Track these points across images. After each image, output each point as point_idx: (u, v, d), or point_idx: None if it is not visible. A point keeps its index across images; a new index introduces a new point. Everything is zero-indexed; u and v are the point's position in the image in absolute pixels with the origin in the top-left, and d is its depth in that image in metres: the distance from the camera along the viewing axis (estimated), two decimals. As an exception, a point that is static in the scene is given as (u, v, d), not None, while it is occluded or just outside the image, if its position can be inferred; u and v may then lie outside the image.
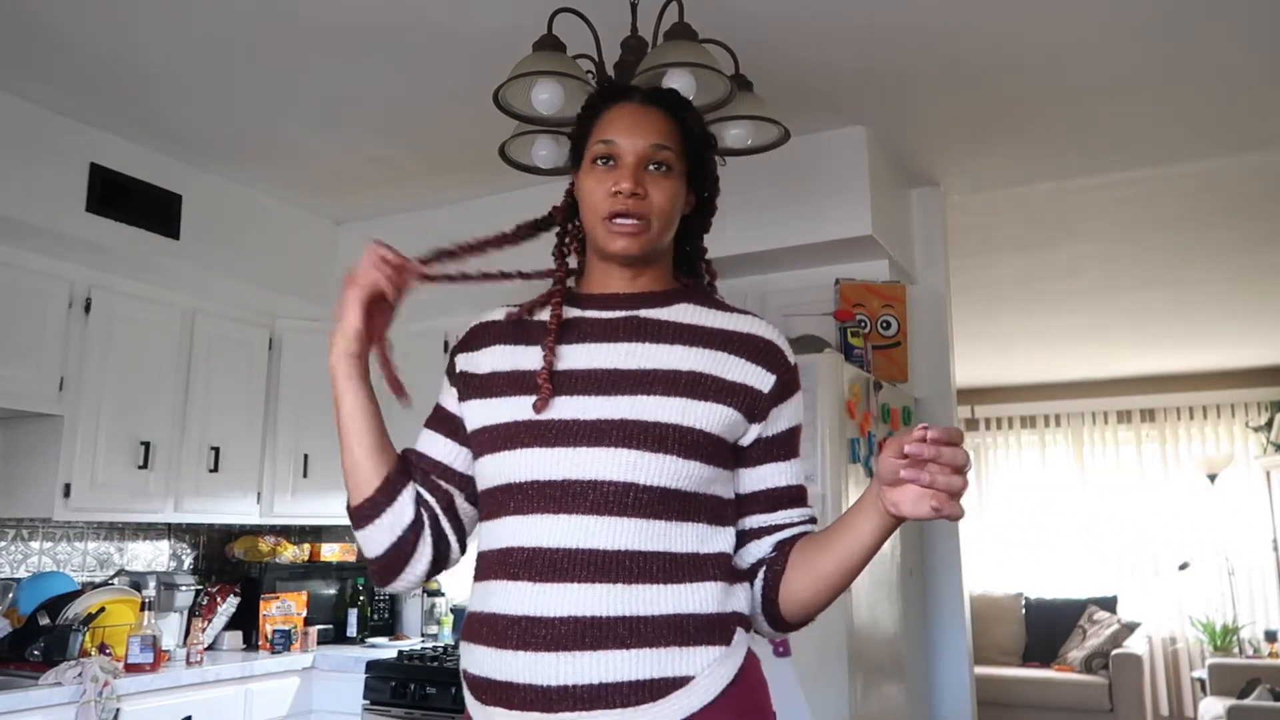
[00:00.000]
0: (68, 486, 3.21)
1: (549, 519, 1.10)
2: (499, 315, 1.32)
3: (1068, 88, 2.88)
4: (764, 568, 1.19)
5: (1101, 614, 6.52)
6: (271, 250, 3.79)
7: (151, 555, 3.81)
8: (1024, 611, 6.79)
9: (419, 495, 1.24)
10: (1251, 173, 3.55)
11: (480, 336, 1.31)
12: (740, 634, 1.14)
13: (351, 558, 4.14)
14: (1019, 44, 2.64)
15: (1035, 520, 7.63)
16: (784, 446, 1.22)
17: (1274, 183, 3.65)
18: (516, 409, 1.18)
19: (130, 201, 3.26)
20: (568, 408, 1.15)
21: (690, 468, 1.12)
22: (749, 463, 1.21)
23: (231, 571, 3.93)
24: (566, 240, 1.34)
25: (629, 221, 1.19)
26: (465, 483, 1.27)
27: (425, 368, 4.04)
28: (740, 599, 1.16)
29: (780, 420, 1.21)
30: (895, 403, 3.20)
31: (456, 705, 3.11)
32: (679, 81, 1.97)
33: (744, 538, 1.20)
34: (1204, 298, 5.18)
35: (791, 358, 1.24)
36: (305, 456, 3.96)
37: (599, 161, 1.22)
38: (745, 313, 1.26)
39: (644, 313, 1.23)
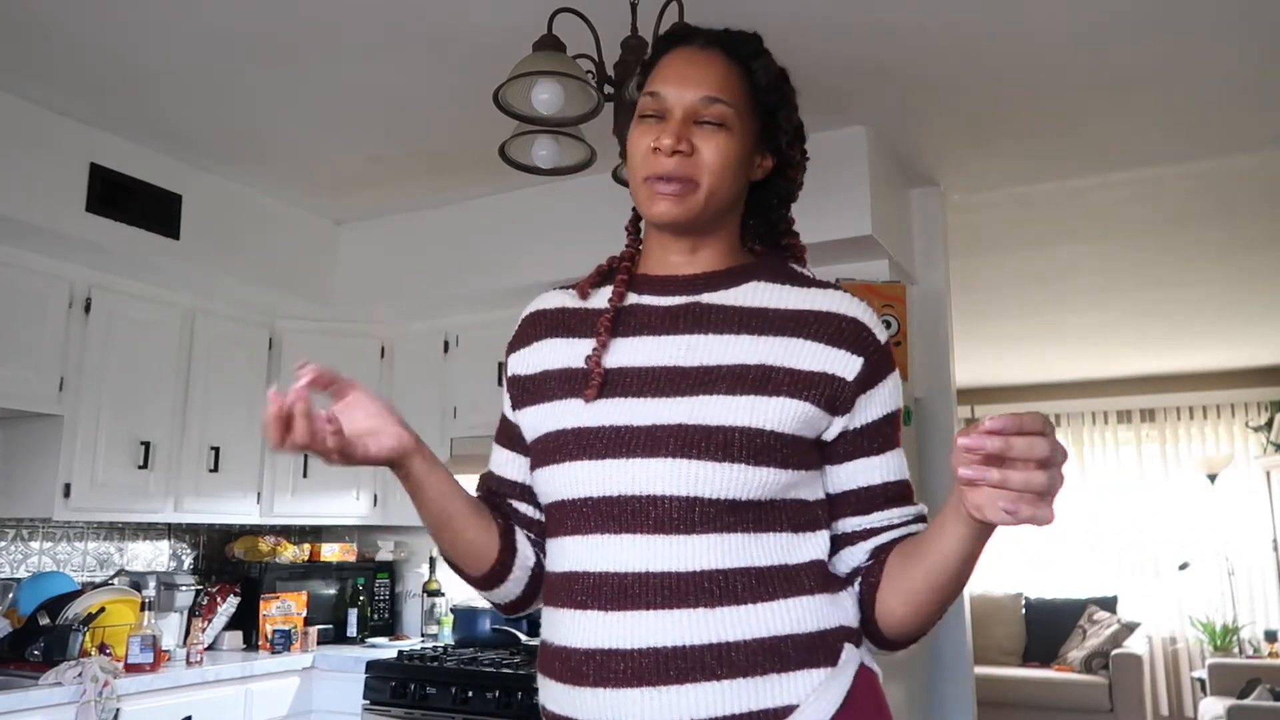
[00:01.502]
0: (68, 486, 3.21)
1: (611, 540, 0.99)
2: (552, 301, 1.18)
3: (1068, 88, 2.88)
4: (860, 579, 1.05)
5: (1101, 614, 6.52)
6: (271, 250, 3.79)
7: (151, 555, 3.81)
8: (1024, 611, 6.79)
9: (521, 529, 1.16)
10: (1251, 173, 3.55)
11: (531, 329, 1.18)
12: (849, 650, 1.01)
13: (352, 558, 4.14)
14: (1019, 44, 2.63)
15: (1035, 520, 7.62)
16: (876, 438, 1.07)
17: (1274, 183, 3.65)
18: (565, 414, 1.06)
19: (130, 201, 3.26)
20: (618, 412, 1.02)
21: (762, 475, 0.98)
22: (836, 459, 1.06)
23: (231, 571, 3.93)
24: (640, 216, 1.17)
25: (670, 185, 1.05)
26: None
27: (425, 367, 4.06)
28: (847, 610, 1.03)
29: (869, 409, 1.06)
30: (895, 403, 3.20)
31: (456, 705, 3.11)
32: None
33: (838, 543, 1.06)
34: (1204, 298, 5.18)
35: (882, 335, 1.08)
36: (305, 456, 3.95)
37: (646, 117, 1.08)
38: (827, 286, 1.11)
39: (707, 297, 1.09)
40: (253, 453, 3.86)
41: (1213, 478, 7.00)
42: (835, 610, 1.01)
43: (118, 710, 2.85)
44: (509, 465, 1.18)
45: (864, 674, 1.01)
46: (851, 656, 1.00)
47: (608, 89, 2.19)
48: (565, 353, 1.11)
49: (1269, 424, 6.91)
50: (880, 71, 2.80)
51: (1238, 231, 4.15)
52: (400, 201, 3.87)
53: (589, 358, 1.06)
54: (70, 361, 3.25)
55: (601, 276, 1.16)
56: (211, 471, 3.68)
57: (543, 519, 1.13)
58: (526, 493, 1.16)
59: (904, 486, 1.09)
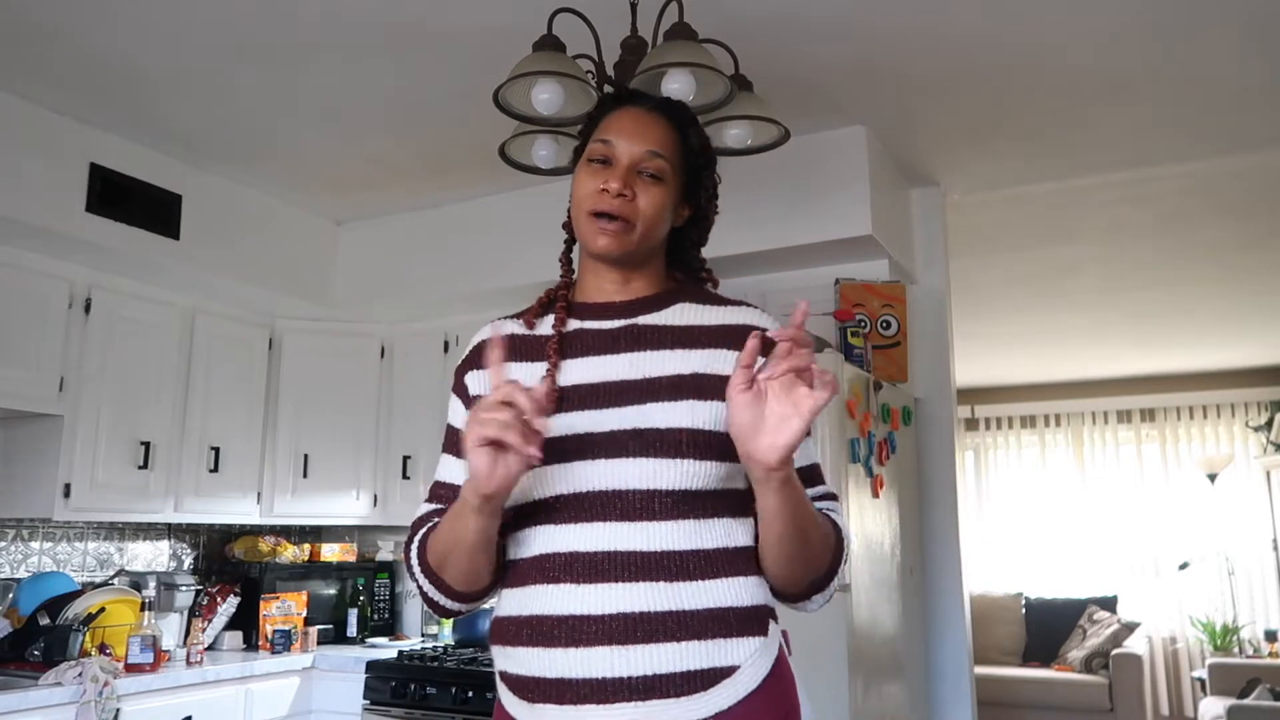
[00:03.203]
0: (68, 486, 3.21)
1: (582, 527, 1.12)
2: (503, 329, 1.31)
3: (1067, 88, 2.88)
4: None
5: (1101, 614, 6.52)
6: (271, 250, 3.79)
7: (151, 555, 3.81)
8: (1024, 611, 6.79)
9: None
10: (1251, 173, 3.55)
11: (486, 354, 1.29)
12: (773, 625, 1.17)
13: (352, 558, 4.14)
14: (1019, 44, 2.64)
15: (1035, 520, 7.63)
16: None
17: (1274, 183, 3.65)
18: None
19: (130, 201, 3.26)
20: (581, 421, 1.16)
21: (707, 468, 1.14)
22: None
23: (231, 571, 3.92)
24: (573, 245, 1.33)
25: (612, 222, 1.21)
26: None
27: (425, 367, 4.06)
28: (769, 592, 1.19)
29: None
30: (895, 403, 3.20)
31: (456, 705, 3.12)
32: (679, 81, 1.97)
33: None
34: (1204, 298, 5.19)
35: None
36: (305, 456, 3.96)
37: (594, 161, 1.24)
38: (740, 304, 1.28)
39: (641, 320, 1.25)
40: (253, 453, 3.86)
41: (1213, 478, 7.00)
42: (763, 590, 1.17)
43: (118, 710, 2.85)
44: (463, 474, 1.22)
45: (781, 648, 1.18)
46: (775, 630, 1.17)
47: (608, 89, 2.19)
48: (520, 374, 1.23)
49: (1269, 424, 6.91)
50: (880, 72, 2.80)
51: (1237, 231, 4.15)
52: (400, 201, 3.87)
53: (544, 377, 1.20)
54: (70, 361, 3.25)
55: (543, 306, 1.31)
56: (211, 471, 3.68)
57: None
58: None
59: (812, 469, 1.25)
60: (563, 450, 1.15)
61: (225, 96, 2.98)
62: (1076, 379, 7.50)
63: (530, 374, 1.23)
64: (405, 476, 3.98)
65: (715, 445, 1.14)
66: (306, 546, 4.07)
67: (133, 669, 3.02)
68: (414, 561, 1.23)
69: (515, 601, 1.16)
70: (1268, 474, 6.76)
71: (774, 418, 1.03)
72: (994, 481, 7.87)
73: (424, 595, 1.23)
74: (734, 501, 1.17)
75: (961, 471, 6.80)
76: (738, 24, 2.44)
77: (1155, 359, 6.76)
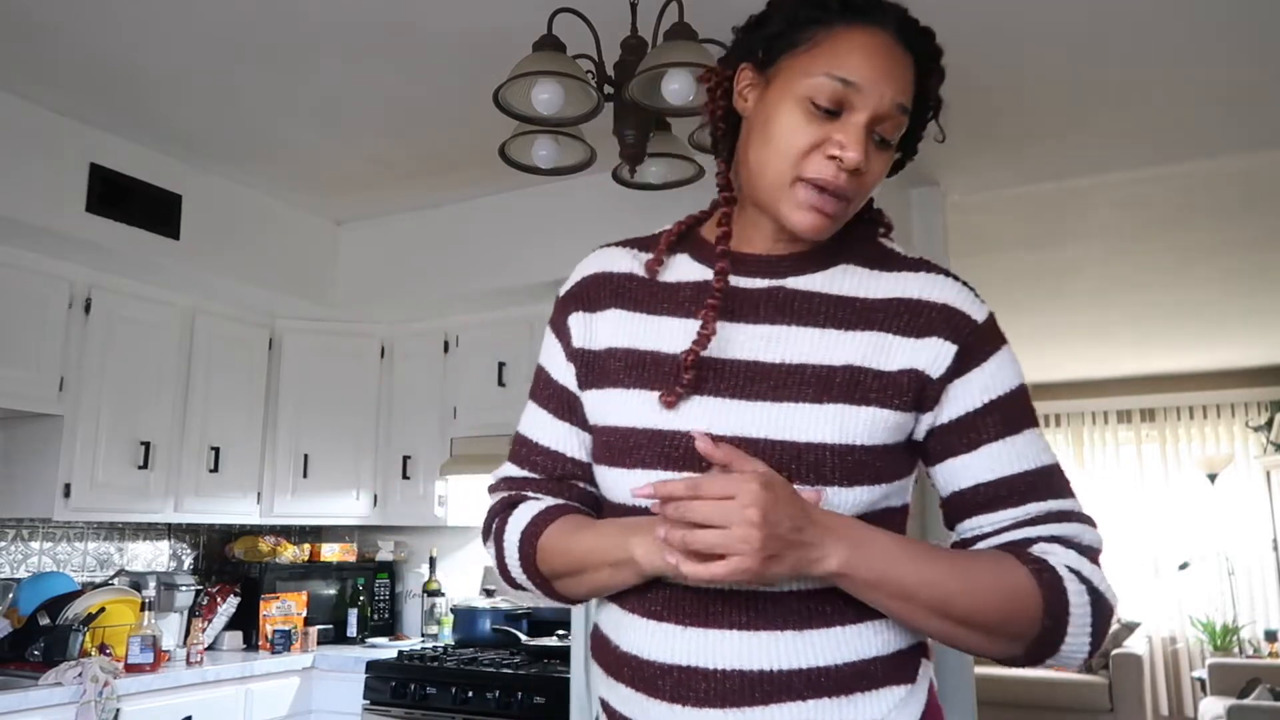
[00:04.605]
0: (68, 486, 3.21)
1: None
2: (619, 264, 1.03)
3: (1067, 88, 2.88)
4: None
5: (1101, 614, 6.52)
6: (271, 250, 3.79)
7: (151, 555, 3.81)
8: (1024, 611, 6.78)
9: None
10: (1251, 172, 3.55)
11: (596, 292, 1.03)
12: (925, 665, 0.96)
13: (352, 558, 4.14)
14: (1019, 44, 2.63)
15: (1035, 520, 7.62)
16: (965, 433, 0.93)
17: (1274, 183, 3.65)
18: (638, 409, 0.95)
19: (130, 201, 3.26)
20: (698, 413, 0.92)
21: (855, 495, 0.90)
22: (931, 459, 0.95)
23: (231, 571, 3.93)
24: (729, 156, 1.01)
25: (833, 203, 0.92)
26: (592, 473, 1.04)
27: (425, 367, 4.06)
28: None
29: (957, 400, 0.93)
30: (895, 403, 3.19)
31: (456, 705, 3.11)
32: (679, 81, 1.97)
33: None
34: (1204, 298, 5.18)
35: (979, 313, 0.95)
36: (305, 456, 3.96)
37: (820, 106, 0.90)
38: (918, 267, 0.98)
39: (791, 282, 0.97)
40: (253, 453, 3.86)
41: (1213, 478, 7.00)
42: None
43: (118, 710, 2.85)
44: (568, 440, 1.04)
45: (932, 688, 0.97)
46: (926, 671, 0.96)
47: (608, 89, 2.19)
48: (634, 331, 0.98)
49: (1269, 424, 6.91)
50: (880, 71, 2.79)
51: (1237, 231, 4.15)
52: (400, 201, 3.87)
53: (688, 353, 0.92)
54: (70, 361, 3.25)
55: (671, 245, 1.02)
56: (211, 472, 3.68)
57: (597, 499, 1.04)
58: (582, 470, 1.04)
59: (1006, 485, 0.92)
60: (672, 454, 0.92)
61: (225, 96, 2.98)
62: (1076, 379, 7.50)
63: (645, 333, 0.98)
64: (405, 477, 3.98)
65: (869, 467, 0.90)
66: (306, 546, 4.07)
67: (133, 669, 3.02)
68: (511, 552, 1.01)
69: (611, 622, 0.98)
70: (1268, 474, 6.76)
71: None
72: (994, 481, 7.86)
73: (509, 578, 1.04)
74: (884, 523, 0.92)
75: (961, 471, 6.78)
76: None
77: (1155, 359, 6.75)
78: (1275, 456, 6.69)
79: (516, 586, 1.04)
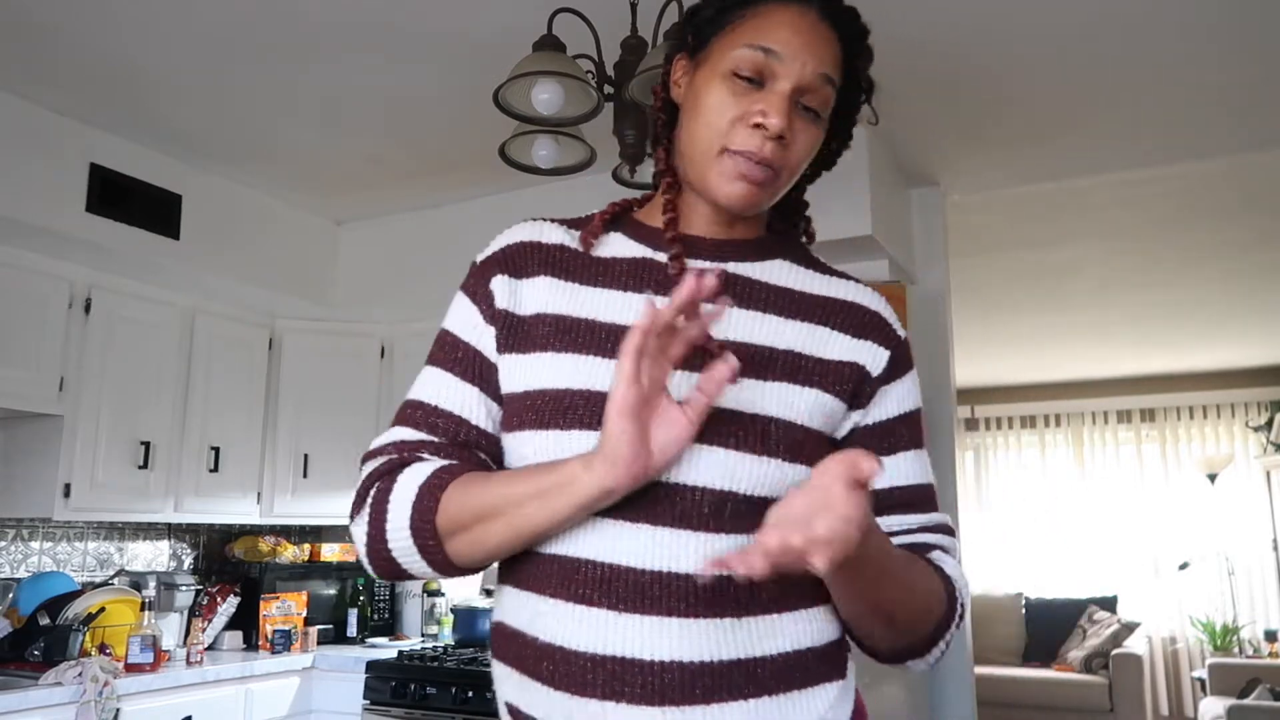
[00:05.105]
0: (68, 486, 3.21)
1: (625, 528, 0.85)
2: (550, 235, 1.00)
3: (1067, 88, 2.88)
4: None
5: (1101, 614, 6.52)
6: (271, 250, 3.79)
7: (151, 555, 3.81)
8: (1024, 611, 6.79)
9: None
10: (1251, 172, 3.55)
11: (524, 259, 0.99)
12: (849, 661, 0.96)
13: (351, 558, 4.14)
14: (1019, 44, 2.63)
15: (1035, 520, 7.63)
16: (886, 438, 0.97)
17: (1273, 182, 3.65)
18: (572, 373, 0.90)
19: (130, 201, 3.26)
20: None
21: (794, 473, 0.87)
22: None
23: (231, 571, 3.93)
24: (668, 145, 1.01)
25: (760, 170, 0.91)
26: (495, 446, 0.96)
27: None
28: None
29: (884, 405, 0.97)
30: (895, 403, 3.20)
31: (456, 705, 3.11)
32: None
33: None
34: (1204, 297, 5.19)
35: (901, 331, 1.00)
36: (305, 456, 3.96)
37: (742, 76, 0.91)
38: (846, 277, 1.03)
39: (733, 267, 0.97)
40: (253, 453, 3.86)
41: (1213, 478, 7.00)
42: (838, 619, 0.93)
43: (118, 710, 2.85)
44: (475, 405, 0.95)
45: (857, 686, 0.96)
46: (851, 667, 0.95)
47: (608, 89, 2.19)
48: (567, 299, 0.95)
49: (1269, 424, 6.91)
50: (879, 72, 2.79)
51: (1237, 231, 4.15)
52: (400, 201, 3.87)
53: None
54: (70, 361, 3.25)
55: (606, 224, 1.01)
56: (211, 471, 3.68)
57: (489, 466, 0.97)
58: (480, 436, 0.95)
59: (920, 492, 0.98)
60: None
61: (225, 96, 2.98)
62: (1076, 379, 7.50)
63: (581, 301, 0.95)
64: (405, 476, 3.97)
65: (805, 448, 0.89)
66: (306, 546, 4.07)
67: (133, 669, 3.02)
68: (400, 511, 0.90)
69: (522, 609, 0.90)
70: (1268, 474, 6.76)
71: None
72: (994, 482, 7.87)
73: (383, 550, 0.91)
74: None
75: (961, 472, 6.80)
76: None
77: (1155, 359, 6.76)
78: (1275, 456, 6.69)
79: (385, 560, 0.92)
